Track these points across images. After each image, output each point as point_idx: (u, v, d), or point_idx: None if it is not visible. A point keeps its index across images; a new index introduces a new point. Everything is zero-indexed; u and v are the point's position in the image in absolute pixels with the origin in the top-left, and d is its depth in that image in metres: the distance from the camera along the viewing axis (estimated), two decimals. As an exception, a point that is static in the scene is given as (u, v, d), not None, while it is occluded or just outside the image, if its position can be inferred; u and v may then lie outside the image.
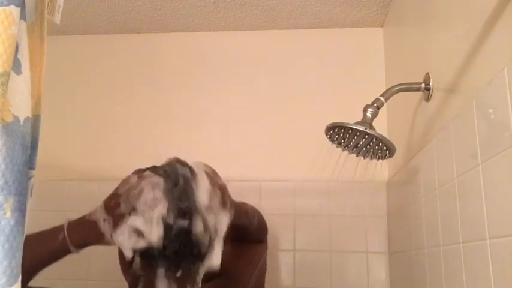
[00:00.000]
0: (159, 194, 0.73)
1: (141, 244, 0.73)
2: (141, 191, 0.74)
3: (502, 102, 0.66)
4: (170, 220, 0.72)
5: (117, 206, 0.76)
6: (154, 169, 0.78)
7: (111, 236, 0.75)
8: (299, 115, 1.69)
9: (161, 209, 0.72)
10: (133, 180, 0.77)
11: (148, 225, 0.72)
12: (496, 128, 0.69)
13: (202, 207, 0.75)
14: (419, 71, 1.12)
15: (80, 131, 1.78)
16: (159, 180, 0.75)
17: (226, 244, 0.97)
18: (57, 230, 0.80)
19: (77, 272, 1.59)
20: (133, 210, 0.73)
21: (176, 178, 0.75)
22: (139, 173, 0.79)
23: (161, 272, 0.75)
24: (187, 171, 0.77)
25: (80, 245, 0.80)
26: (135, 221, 0.73)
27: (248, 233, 0.98)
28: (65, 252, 0.80)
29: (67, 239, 0.78)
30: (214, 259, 0.76)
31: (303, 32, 1.77)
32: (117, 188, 0.79)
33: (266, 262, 1.06)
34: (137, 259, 0.75)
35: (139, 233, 0.73)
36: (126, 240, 0.73)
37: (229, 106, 1.74)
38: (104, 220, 0.76)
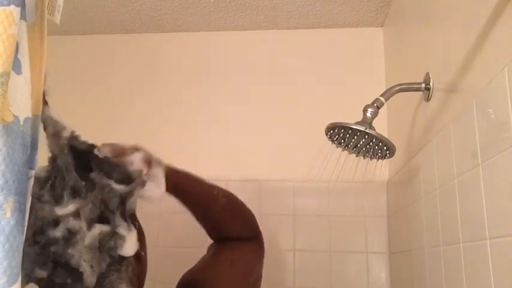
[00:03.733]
0: None
1: None
2: None
3: (502, 102, 0.65)
4: None
5: None
6: None
7: None
8: (299, 115, 1.69)
9: None
10: None
11: None
12: (496, 128, 0.69)
13: None
14: (419, 71, 1.12)
15: (80, 131, 1.77)
16: None
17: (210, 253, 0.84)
18: None
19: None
20: None
21: None
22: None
23: None
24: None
25: None
26: None
27: (224, 226, 0.84)
28: None
29: None
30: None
31: (303, 32, 1.77)
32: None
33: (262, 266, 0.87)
34: None
35: None
36: None
37: (229, 106, 1.74)
38: None
